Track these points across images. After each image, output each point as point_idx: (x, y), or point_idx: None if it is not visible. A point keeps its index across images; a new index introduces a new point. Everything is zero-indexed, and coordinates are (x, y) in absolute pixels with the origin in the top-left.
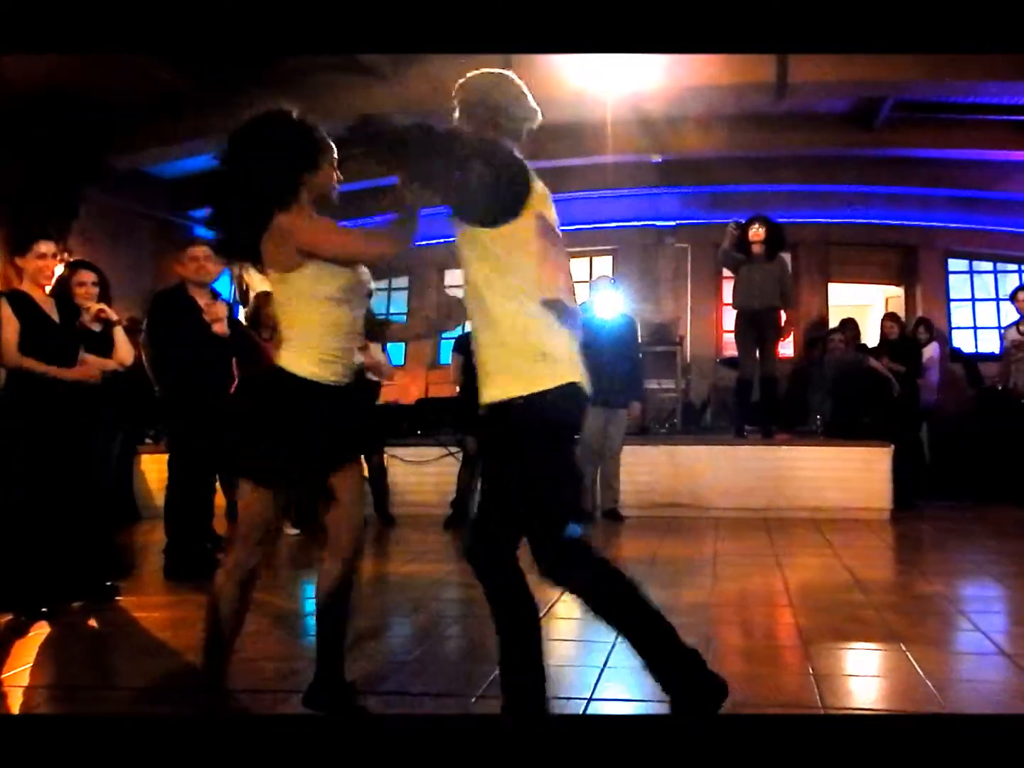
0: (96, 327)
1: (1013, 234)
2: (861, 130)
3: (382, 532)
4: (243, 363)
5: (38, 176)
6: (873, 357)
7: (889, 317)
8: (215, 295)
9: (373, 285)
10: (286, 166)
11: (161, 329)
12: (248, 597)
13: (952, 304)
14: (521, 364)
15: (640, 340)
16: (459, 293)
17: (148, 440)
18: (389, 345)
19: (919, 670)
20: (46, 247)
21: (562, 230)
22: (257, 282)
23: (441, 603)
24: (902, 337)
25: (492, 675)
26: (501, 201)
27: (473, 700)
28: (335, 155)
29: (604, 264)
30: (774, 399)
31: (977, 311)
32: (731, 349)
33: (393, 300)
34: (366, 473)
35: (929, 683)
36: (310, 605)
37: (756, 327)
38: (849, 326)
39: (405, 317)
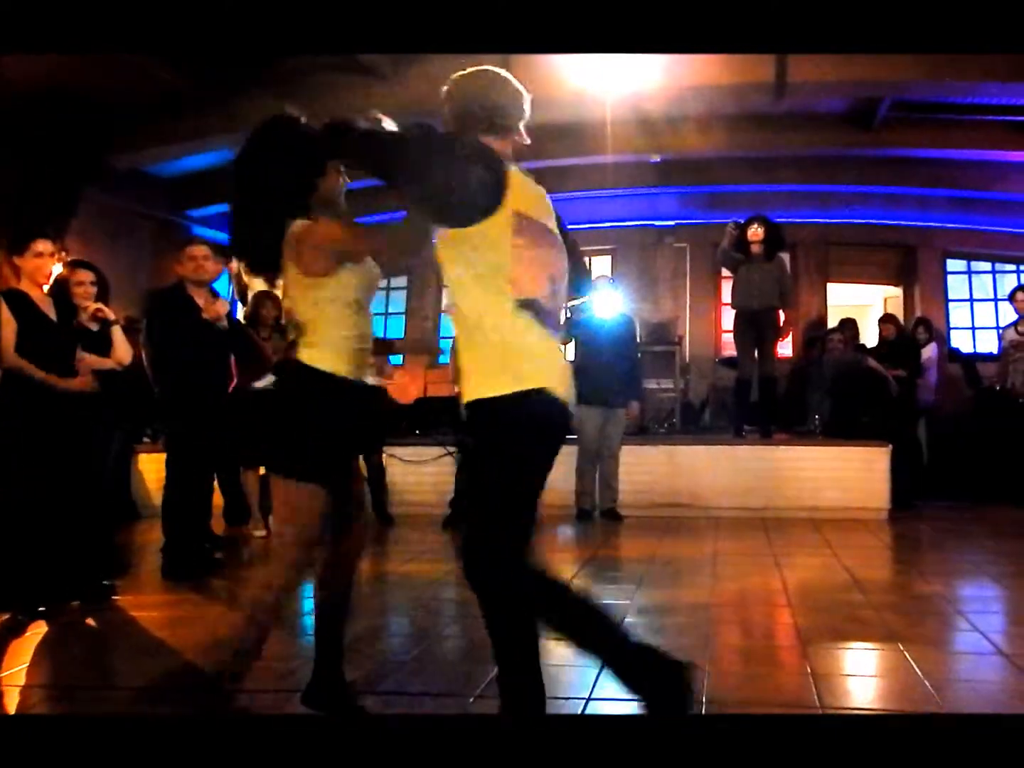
0: (94, 326)
1: (1011, 234)
2: (860, 130)
3: (381, 532)
4: (242, 362)
5: (38, 176)
6: (872, 357)
7: (885, 318)
8: (214, 294)
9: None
10: (295, 172)
11: (160, 328)
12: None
13: (950, 304)
14: (487, 367)
15: (639, 340)
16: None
17: (146, 439)
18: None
19: (917, 670)
20: (44, 246)
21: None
22: (256, 282)
23: (440, 603)
24: (900, 337)
25: (491, 675)
26: (472, 200)
27: (472, 700)
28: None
29: (603, 264)
30: (773, 399)
31: (975, 311)
32: (730, 349)
33: (392, 300)
34: (364, 472)
35: (927, 683)
36: (308, 604)
37: (755, 327)
38: (848, 326)
39: (404, 317)
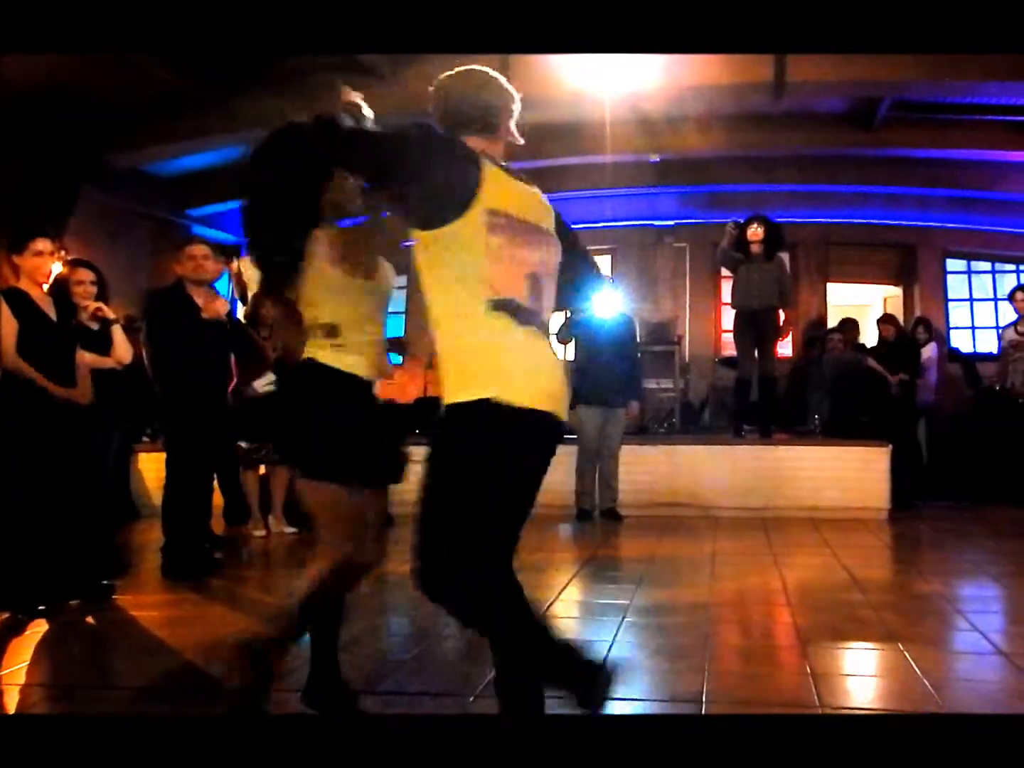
0: (94, 325)
1: (1011, 234)
2: (860, 130)
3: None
4: (242, 362)
5: (37, 175)
6: (871, 357)
7: (884, 319)
8: (214, 293)
9: None
10: (299, 179)
11: (159, 328)
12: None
13: (950, 304)
14: (454, 371)
15: (639, 339)
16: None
17: (145, 439)
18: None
19: (917, 669)
20: (43, 245)
21: None
22: (255, 281)
23: None
24: (899, 338)
25: (490, 675)
26: (440, 199)
27: (471, 699)
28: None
29: (603, 263)
30: (773, 399)
31: (975, 311)
32: (730, 349)
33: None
34: None
35: (927, 682)
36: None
37: (755, 327)
38: (848, 326)
39: (404, 317)
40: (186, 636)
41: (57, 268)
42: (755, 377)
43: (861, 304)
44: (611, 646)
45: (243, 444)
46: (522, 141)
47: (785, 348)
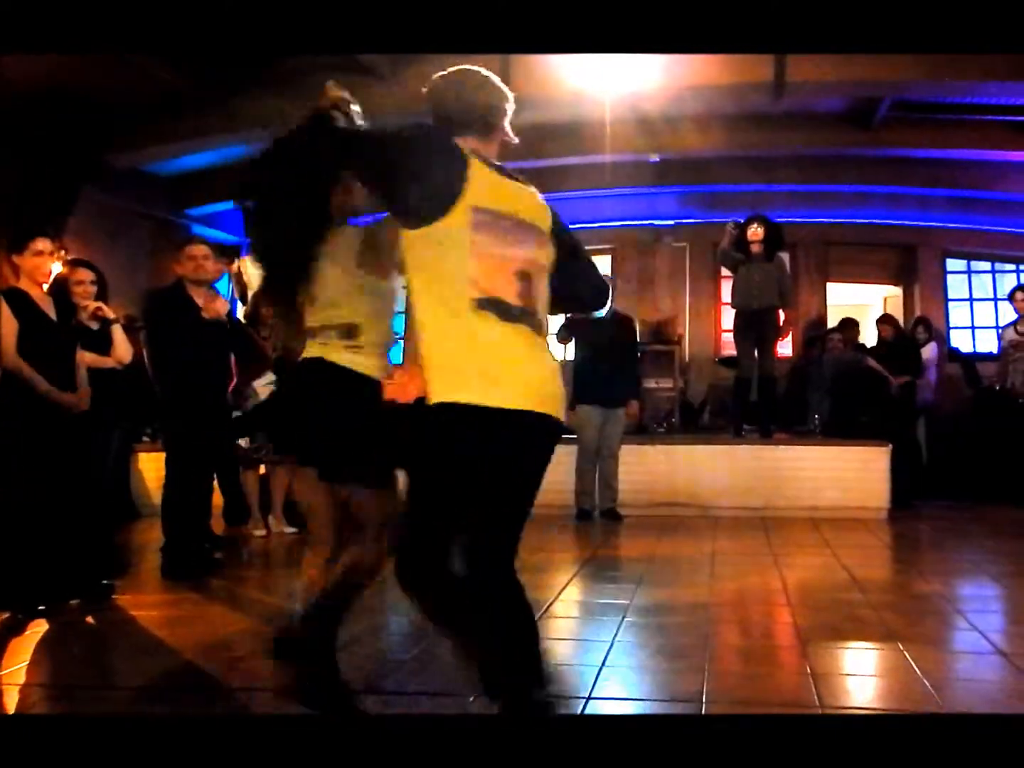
0: (94, 325)
1: (1011, 234)
2: (859, 130)
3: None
4: (242, 362)
5: (37, 175)
6: (871, 357)
7: (883, 319)
8: (214, 292)
9: None
10: (305, 184)
11: (159, 328)
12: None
13: (950, 304)
14: (429, 373)
15: (638, 339)
16: None
17: (145, 438)
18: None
19: (916, 669)
20: (43, 244)
21: None
22: (255, 281)
23: None
24: (897, 338)
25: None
26: (423, 198)
27: (471, 699)
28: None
29: (602, 263)
30: (772, 398)
31: (975, 311)
32: (729, 348)
33: None
34: None
35: (926, 682)
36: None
37: (755, 326)
38: (848, 326)
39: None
40: (186, 636)
41: (57, 268)
42: (755, 377)
43: (861, 304)
44: (611, 646)
45: (243, 444)
46: (516, 140)
47: (785, 348)
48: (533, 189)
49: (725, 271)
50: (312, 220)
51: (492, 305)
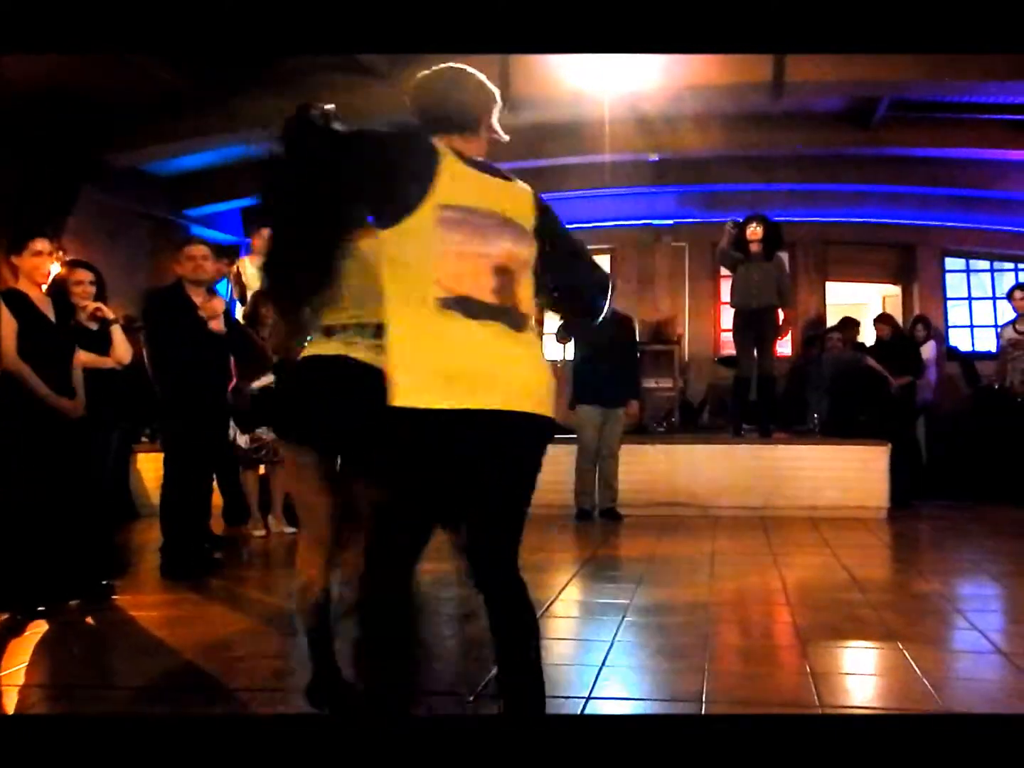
0: (93, 326)
1: (1010, 233)
2: (858, 129)
3: None
4: (241, 362)
5: (37, 175)
6: (870, 356)
7: (880, 318)
8: (212, 292)
9: None
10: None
11: (158, 328)
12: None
13: (949, 303)
14: (391, 374)
15: (638, 339)
16: None
17: (144, 439)
18: None
19: (916, 669)
20: (42, 245)
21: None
22: (255, 281)
23: (439, 602)
24: (894, 337)
25: (490, 674)
26: (390, 197)
27: (471, 699)
28: None
29: (602, 263)
30: (772, 398)
31: (974, 310)
32: (729, 348)
33: None
34: None
35: (926, 681)
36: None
37: (754, 326)
38: (849, 325)
39: None
40: (186, 636)
41: (56, 268)
42: (754, 376)
43: (860, 303)
44: (611, 646)
45: (243, 444)
46: (506, 138)
47: (784, 347)
48: (523, 186)
49: (724, 270)
50: (328, 221)
51: (459, 303)
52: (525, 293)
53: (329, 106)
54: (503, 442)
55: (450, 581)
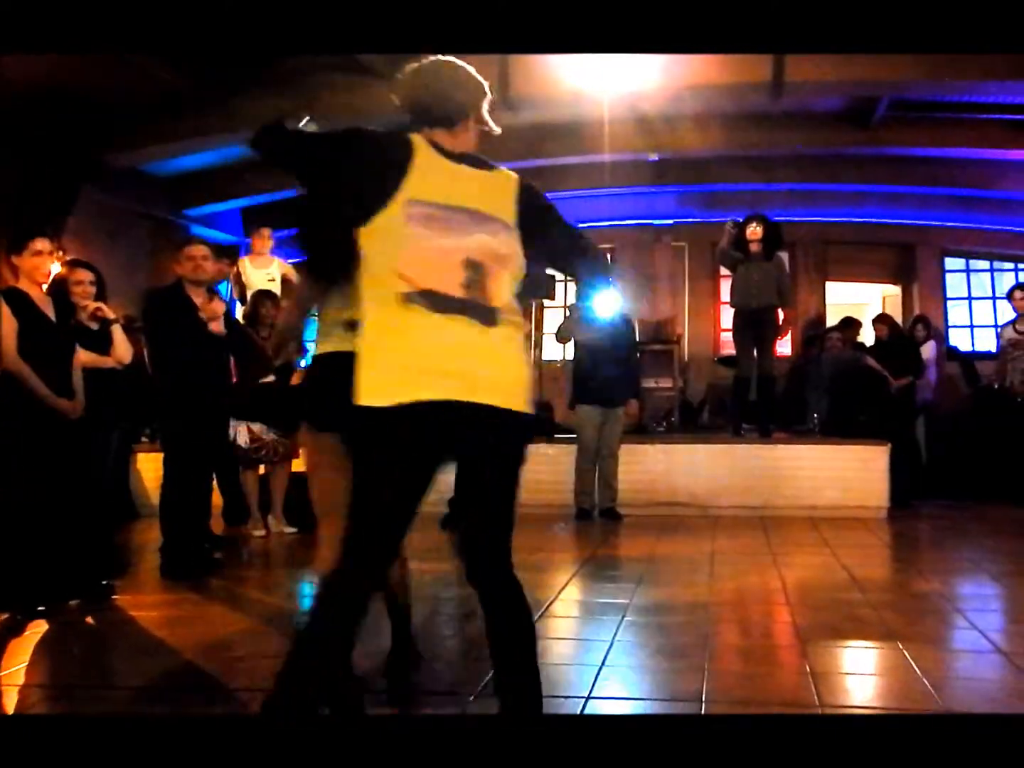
0: (94, 325)
1: (1010, 233)
2: (858, 129)
3: None
4: (241, 362)
5: (37, 175)
6: (870, 356)
7: (879, 318)
8: (212, 293)
9: None
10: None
11: (158, 328)
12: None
13: (949, 302)
14: (358, 371)
15: (637, 339)
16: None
17: (144, 439)
18: None
19: (916, 668)
20: (42, 245)
21: None
22: (255, 281)
23: (438, 602)
24: (892, 337)
25: (489, 674)
26: (359, 197)
27: (471, 699)
28: None
29: None
30: (771, 398)
31: (974, 309)
32: (729, 348)
33: None
34: None
35: (926, 681)
36: (307, 603)
37: (754, 326)
38: (849, 325)
39: None
40: (186, 636)
41: (56, 268)
42: (754, 376)
43: (860, 303)
44: (611, 646)
45: (243, 444)
46: (498, 130)
47: (784, 347)
48: (507, 176)
49: (724, 270)
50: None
51: (423, 297)
52: (500, 288)
53: (305, 116)
54: (467, 435)
55: (450, 581)
